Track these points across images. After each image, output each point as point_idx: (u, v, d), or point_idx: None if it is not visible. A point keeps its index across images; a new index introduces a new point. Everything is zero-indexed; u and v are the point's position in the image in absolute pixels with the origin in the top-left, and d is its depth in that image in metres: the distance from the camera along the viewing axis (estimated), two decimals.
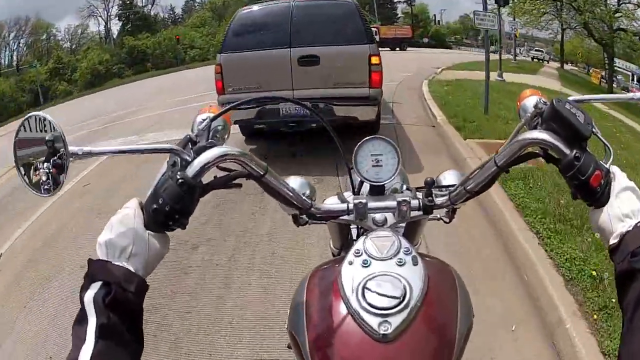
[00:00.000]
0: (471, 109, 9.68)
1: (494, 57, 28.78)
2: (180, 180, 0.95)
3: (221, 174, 1.08)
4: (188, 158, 1.02)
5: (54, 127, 0.93)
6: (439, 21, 47.20)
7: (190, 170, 0.98)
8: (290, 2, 7.20)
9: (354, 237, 1.61)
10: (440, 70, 19.99)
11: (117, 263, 0.92)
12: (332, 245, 1.81)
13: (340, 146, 1.31)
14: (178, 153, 1.03)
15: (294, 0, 7.23)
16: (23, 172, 0.98)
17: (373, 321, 0.96)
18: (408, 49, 40.58)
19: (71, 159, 0.92)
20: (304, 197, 1.21)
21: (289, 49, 6.83)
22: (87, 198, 7.16)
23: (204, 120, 1.15)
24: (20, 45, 56.34)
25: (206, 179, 1.02)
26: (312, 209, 1.23)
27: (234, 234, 5.16)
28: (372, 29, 8.17)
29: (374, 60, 6.74)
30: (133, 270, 0.93)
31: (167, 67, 49.70)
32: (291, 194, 1.18)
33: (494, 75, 15.55)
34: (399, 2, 47.96)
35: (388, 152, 1.26)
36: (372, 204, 1.22)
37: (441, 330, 1.03)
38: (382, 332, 0.94)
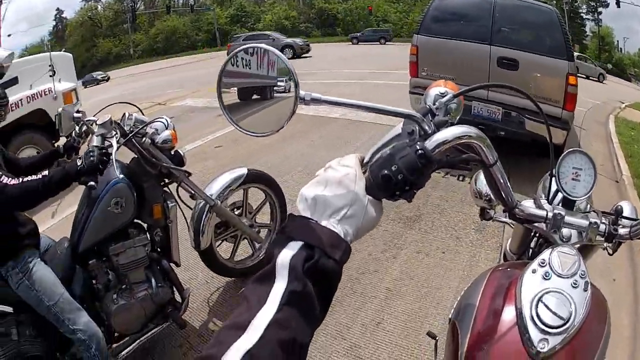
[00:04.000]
0: None
1: None
2: (420, 152, 0.90)
3: None
4: (428, 129, 0.99)
5: (285, 65, 0.93)
6: (621, 49, 43.73)
7: (430, 143, 0.94)
8: None
9: (532, 245, 1.61)
10: (624, 106, 17.72)
11: (323, 224, 0.85)
12: (508, 248, 1.80)
13: (552, 148, 1.23)
14: (418, 121, 0.99)
15: None
16: (228, 110, 0.99)
17: (535, 335, 1.01)
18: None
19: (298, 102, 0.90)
20: (512, 195, 1.21)
21: (489, 46, 6.51)
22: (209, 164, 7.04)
23: (441, 94, 1.07)
24: None
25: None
26: (517, 208, 1.24)
27: (347, 274, 4.14)
28: None
29: (572, 80, 6.17)
30: (342, 235, 0.85)
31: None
32: (506, 189, 1.18)
33: None
34: (588, 19, 44.73)
35: (588, 168, 1.30)
36: (567, 219, 1.23)
37: None
38: (539, 348, 1.00)
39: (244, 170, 3.48)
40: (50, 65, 6.95)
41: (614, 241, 1.25)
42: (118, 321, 2.78)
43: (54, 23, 54.85)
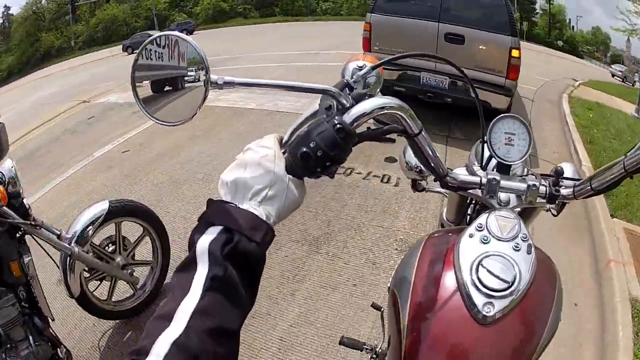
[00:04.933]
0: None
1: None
2: (338, 126, 0.89)
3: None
4: (346, 103, 0.98)
5: (196, 51, 0.92)
6: (573, 27, 44.45)
7: (348, 117, 0.94)
8: None
9: (469, 212, 1.61)
10: (578, 85, 16.77)
11: (244, 207, 0.85)
12: (445, 217, 1.79)
13: (481, 115, 1.29)
14: (335, 96, 0.98)
15: None
16: (144, 102, 0.98)
17: (479, 300, 0.99)
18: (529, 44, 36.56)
19: (210, 87, 0.90)
20: (442, 164, 1.21)
21: (437, 23, 7.06)
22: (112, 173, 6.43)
23: (359, 67, 1.06)
24: None
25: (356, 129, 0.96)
26: (448, 177, 1.24)
27: None
28: None
29: (515, 53, 6.86)
30: (263, 217, 0.85)
31: (296, 14, 49.12)
32: (434, 158, 1.18)
33: (625, 106, 12.58)
34: None
35: (521, 132, 1.28)
36: (503, 183, 1.23)
37: (534, 324, 1.03)
38: (484, 312, 0.97)
39: (104, 206, 3.11)
40: None
41: (557, 202, 1.24)
42: None
43: (1, 21, 54.06)
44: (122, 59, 27.51)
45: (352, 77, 1.02)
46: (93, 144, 7.86)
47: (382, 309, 1.57)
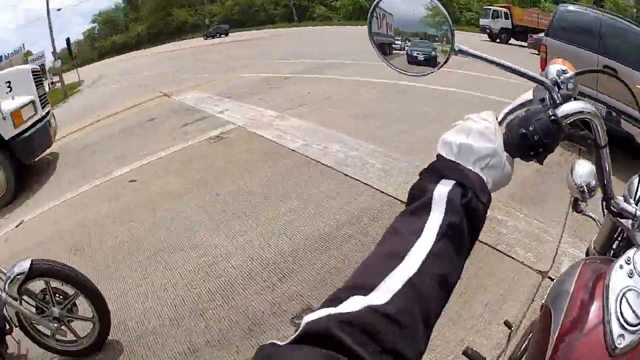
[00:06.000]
0: None
1: None
2: (552, 117, 0.93)
3: None
4: (557, 99, 1.02)
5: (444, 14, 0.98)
6: None
7: (560, 112, 0.97)
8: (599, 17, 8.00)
9: (614, 246, 1.61)
10: None
11: (471, 168, 0.86)
12: (592, 246, 1.72)
13: None
14: (550, 90, 1.03)
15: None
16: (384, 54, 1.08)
17: (616, 330, 1.01)
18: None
19: (452, 53, 0.97)
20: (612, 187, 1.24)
21: (597, 56, 7.49)
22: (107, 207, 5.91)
23: (563, 70, 1.09)
24: None
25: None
26: (613, 200, 1.25)
27: None
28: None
29: None
30: (486, 182, 0.86)
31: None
32: (609, 176, 1.19)
33: None
34: None
35: None
36: None
37: None
38: (616, 343, 0.99)
39: (24, 266, 3.03)
40: (7, 82, 7.40)
41: None
42: None
43: None
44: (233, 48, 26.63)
45: (559, 78, 1.05)
46: (126, 156, 7.83)
47: (512, 329, 1.56)
